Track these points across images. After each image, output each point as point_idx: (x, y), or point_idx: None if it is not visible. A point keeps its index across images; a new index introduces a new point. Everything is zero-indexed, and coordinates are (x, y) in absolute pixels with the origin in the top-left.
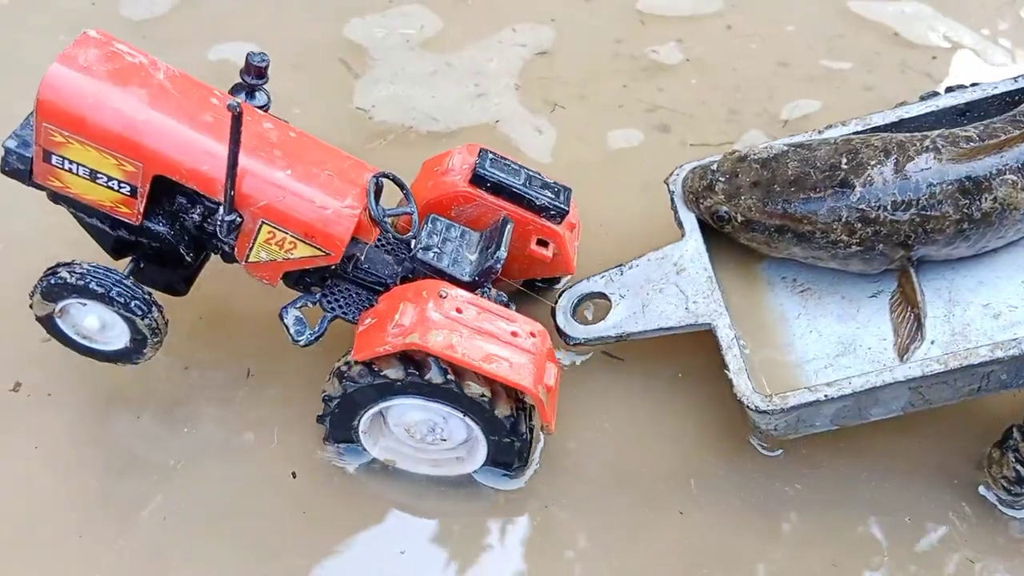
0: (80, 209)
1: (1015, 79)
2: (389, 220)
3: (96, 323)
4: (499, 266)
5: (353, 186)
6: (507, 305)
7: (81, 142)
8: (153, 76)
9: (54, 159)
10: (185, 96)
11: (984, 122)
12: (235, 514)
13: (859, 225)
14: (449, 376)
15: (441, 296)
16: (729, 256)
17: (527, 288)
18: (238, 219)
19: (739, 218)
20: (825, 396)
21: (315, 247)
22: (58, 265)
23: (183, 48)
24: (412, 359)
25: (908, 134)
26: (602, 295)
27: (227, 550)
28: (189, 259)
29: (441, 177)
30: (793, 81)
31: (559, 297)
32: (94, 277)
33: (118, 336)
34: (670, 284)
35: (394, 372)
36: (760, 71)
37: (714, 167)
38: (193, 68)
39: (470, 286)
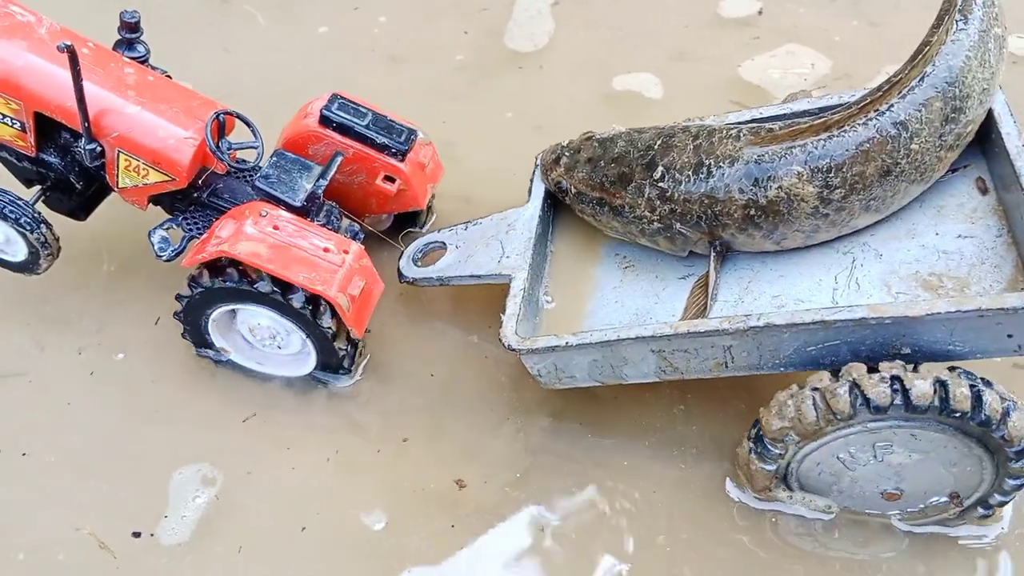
0: None
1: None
2: (228, 152)
3: (2, 236)
4: (320, 192)
5: (196, 120)
6: (356, 235)
7: None
8: (36, 31)
9: None
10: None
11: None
12: None
13: (658, 203)
14: (251, 281)
15: (261, 215)
16: (579, 230)
17: (384, 235)
18: (98, 148)
19: (572, 190)
20: (567, 343)
21: (164, 173)
22: None
23: None
24: (240, 269)
25: (723, 123)
26: (443, 244)
27: None
28: (79, 187)
29: (300, 119)
30: None
31: (410, 243)
32: None
33: (20, 249)
34: (496, 241)
35: (214, 280)
36: None
37: (565, 143)
38: None
39: (301, 210)
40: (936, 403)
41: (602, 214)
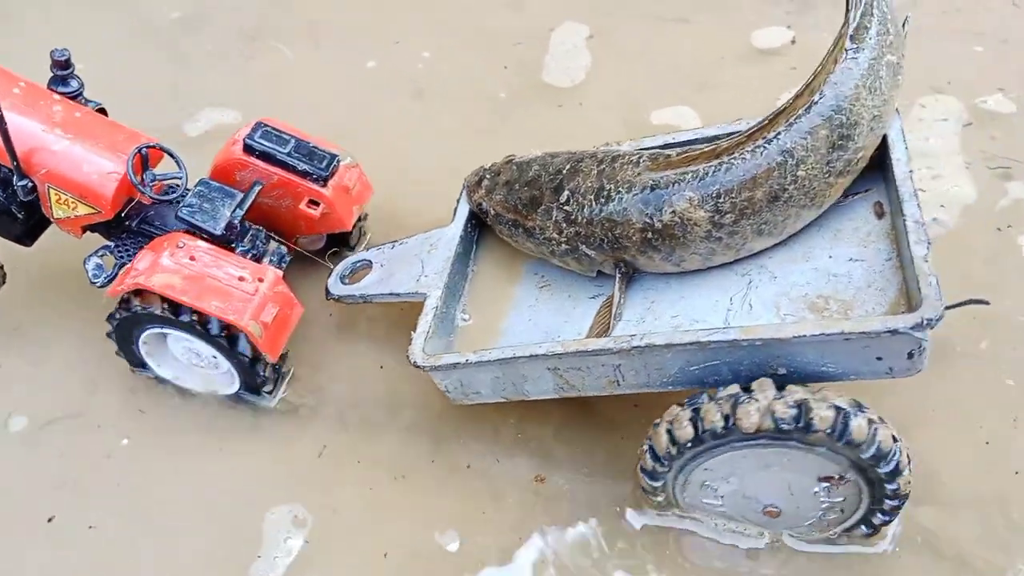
0: None
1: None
2: (152, 184)
3: None
4: (236, 221)
5: (120, 155)
6: (283, 258)
7: None
8: None
9: None
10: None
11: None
12: None
13: (565, 226)
14: (168, 311)
15: (179, 246)
16: (503, 250)
17: (315, 255)
18: (29, 184)
19: (491, 211)
20: (467, 360)
21: (90, 206)
22: None
23: None
24: (163, 297)
25: (629, 150)
26: (370, 262)
27: None
28: (21, 217)
29: (227, 148)
30: None
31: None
32: None
33: None
34: (418, 260)
35: (140, 306)
36: None
37: (488, 166)
38: None
39: (221, 238)
40: (774, 426)
41: (517, 235)
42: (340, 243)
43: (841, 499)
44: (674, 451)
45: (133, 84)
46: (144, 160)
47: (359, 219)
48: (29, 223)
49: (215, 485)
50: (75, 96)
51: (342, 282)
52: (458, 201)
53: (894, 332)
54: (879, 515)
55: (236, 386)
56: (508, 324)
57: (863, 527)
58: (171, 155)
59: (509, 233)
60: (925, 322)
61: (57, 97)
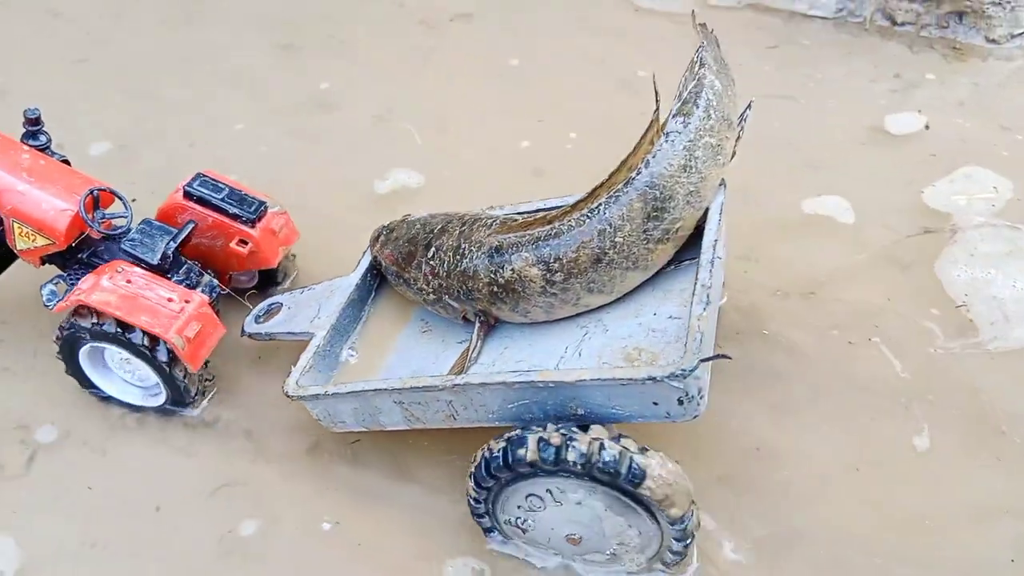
0: None
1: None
2: (101, 221)
3: None
4: (170, 252)
5: (74, 196)
6: (213, 289)
7: None
8: None
9: None
10: None
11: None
12: None
13: (431, 278)
14: (103, 323)
15: (118, 271)
16: (398, 298)
17: (240, 295)
18: None
19: (382, 263)
20: (326, 392)
21: (47, 238)
22: None
23: None
24: (96, 313)
25: (491, 214)
26: (281, 304)
27: None
28: None
29: (172, 194)
30: None
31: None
32: None
33: None
34: (317, 304)
35: (79, 322)
36: None
37: (388, 223)
38: None
39: (158, 268)
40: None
41: (399, 284)
42: (268, 281)
43: (636, 532)
44: (488, 481)
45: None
46: (96, 201)
47: (287, 258)
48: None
49: None
50: (43, 148)
51: (256, 321)
52: (363, 254)
53: (653, 380)
54: (670, 552)
55: (163, 399)
56: (387, 363)
57: (661, 561)
58: (120, 197)
59: (394, 282)
60: (679, 372)
61: (26, 148)
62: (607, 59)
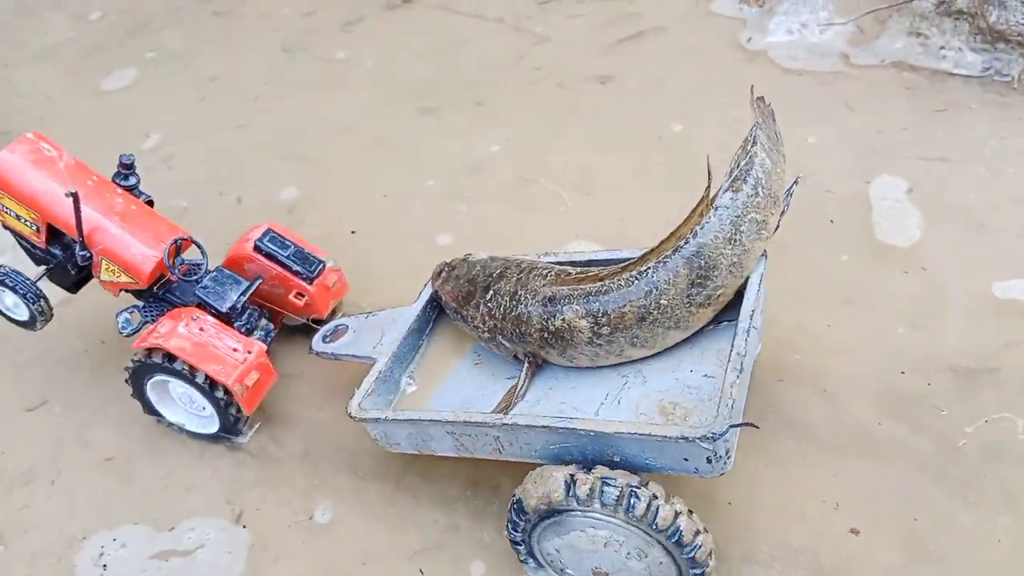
0: (16, 235)
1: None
2: (179, 267)
3: (11, 301)
4: (239, 305)
5: (160, 243)
6: (269, 332)
7: (10, 198)
8: (56, 164)
9: (1, 206)
10: (72, 178)
11: (593, 266)
12: None
13: (487, 319)
14: (181, 366)
15: (193, 319)
16: (455, 331)
17: (315, 323)
18: (88, 254)
19: (443, 298)
20: (385, 417)
21: (131, 277)
22: None
23: None
24: (167, 354)
25: (547, 262)
26: (347, 326)
27: None
28: (73, 273)
29: (241, 243)
30: None
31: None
32: (7, 275)
33: (23, 312)
34: (381, 330)
35: (153, 359)
36: None
37: (450, 261)
38: None
39: (225, 315)
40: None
41: (457, 320)
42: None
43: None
44: (523, 516)
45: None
46: (178, 249)
47: (335, 307)
48: (78, 278)
49: None
50: (132, 189)
51: (323, 341)
52: (424, 286)
53: (685, 439)
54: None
55: (216, 427)
56: (441, 392)
57: None
58: (198, 246)
59: (453, 317)
60: (710, 435)
61: (120, 191)
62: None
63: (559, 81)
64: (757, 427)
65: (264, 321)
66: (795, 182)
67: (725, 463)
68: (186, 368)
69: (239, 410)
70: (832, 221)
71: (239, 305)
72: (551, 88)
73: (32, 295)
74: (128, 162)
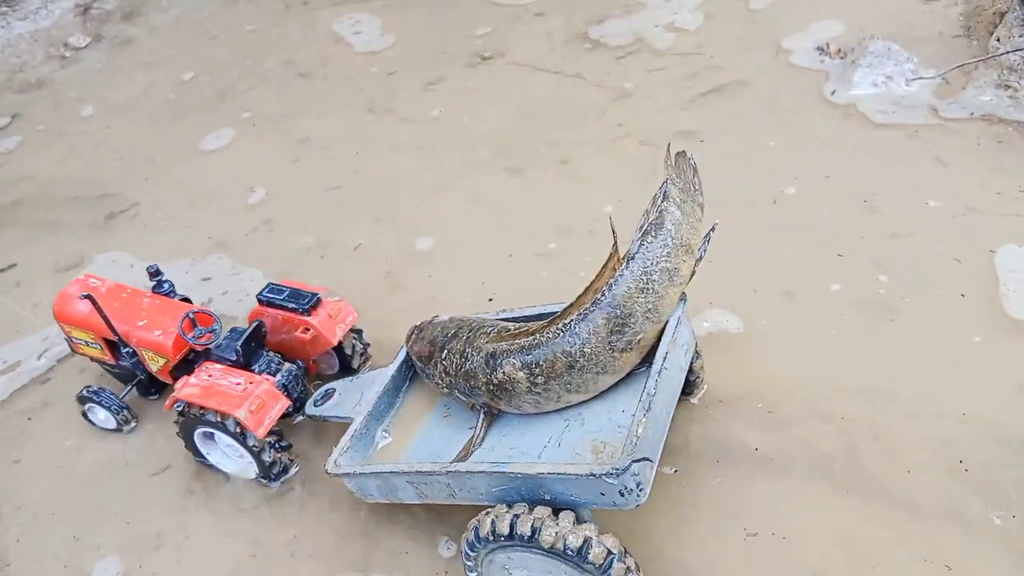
0: (98, 363)
1: (567, 306)
2: (199, 336)
3: (101, 415)
4: (239, 348)
5: (174, 322)
6: (290, 373)
7: (72, 327)
8: (100, 290)
9: (73, 338)
10: (111, 296)
11: (528, 323)
12: None
13: (445, 376)
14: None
15: (203, 370)
16: (426, 388)
17: (322, 379)
18: (130, 349)
19: (412, 357)
20: (354, 471)
21: (163, 356)
22: (86, 387)
23: None
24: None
25: (496, 321)
26: (335, 390)
27: None
28: (143, 377)
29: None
30: None
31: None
32: (95, 392)
33: (111, 421)
34: (360, 391)
35: (189, 411)
36: None
37: (419, 323)
38: None
39: (236, 363)
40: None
41: (424, 376)
42: (345, 366)
43: None
44: (477, 543)
45: None
46: (193, 323)
47: (356, 339)
48: (148, 382)
49: None
50: (168, 294)
51: (315, 405)
52: (400, 347)
53: (594, 476)
54: None
55: (255, 472)
56: (413, 444)
57: None
58: (213, 316)
59: (421, 374)
60: (614, 471)
61: (148, 294)
62: (843, 176)
63: (642, 138)
64: (652, 461)
65: (287, 365)
66: (712, 229)
67: (638, 496)
68: (215, 415)
69: (272, 455)
70: (962, 295)
71: (239, 349)
72: (633, 145)
73: (117, 408)
74: (153, 270)
